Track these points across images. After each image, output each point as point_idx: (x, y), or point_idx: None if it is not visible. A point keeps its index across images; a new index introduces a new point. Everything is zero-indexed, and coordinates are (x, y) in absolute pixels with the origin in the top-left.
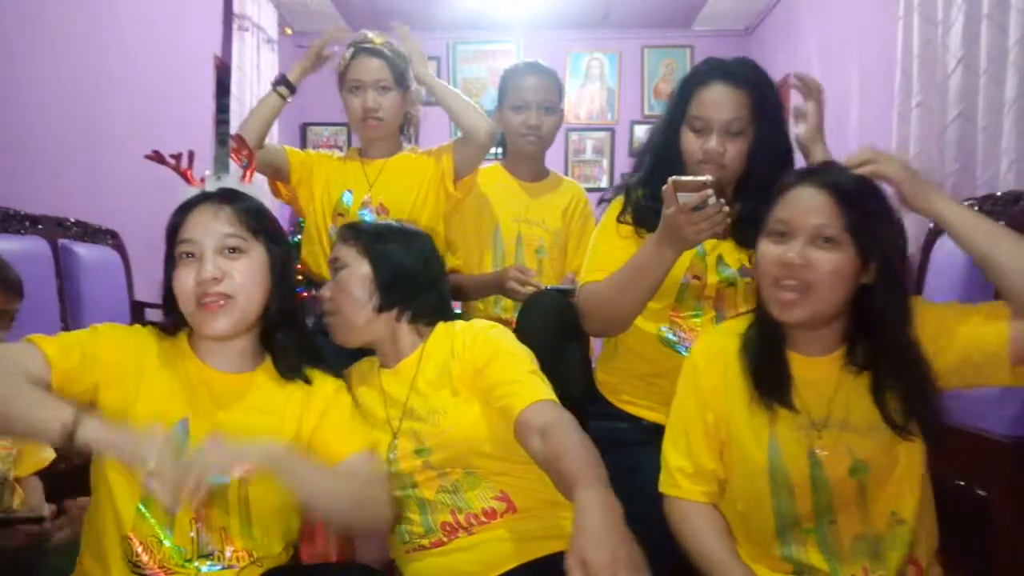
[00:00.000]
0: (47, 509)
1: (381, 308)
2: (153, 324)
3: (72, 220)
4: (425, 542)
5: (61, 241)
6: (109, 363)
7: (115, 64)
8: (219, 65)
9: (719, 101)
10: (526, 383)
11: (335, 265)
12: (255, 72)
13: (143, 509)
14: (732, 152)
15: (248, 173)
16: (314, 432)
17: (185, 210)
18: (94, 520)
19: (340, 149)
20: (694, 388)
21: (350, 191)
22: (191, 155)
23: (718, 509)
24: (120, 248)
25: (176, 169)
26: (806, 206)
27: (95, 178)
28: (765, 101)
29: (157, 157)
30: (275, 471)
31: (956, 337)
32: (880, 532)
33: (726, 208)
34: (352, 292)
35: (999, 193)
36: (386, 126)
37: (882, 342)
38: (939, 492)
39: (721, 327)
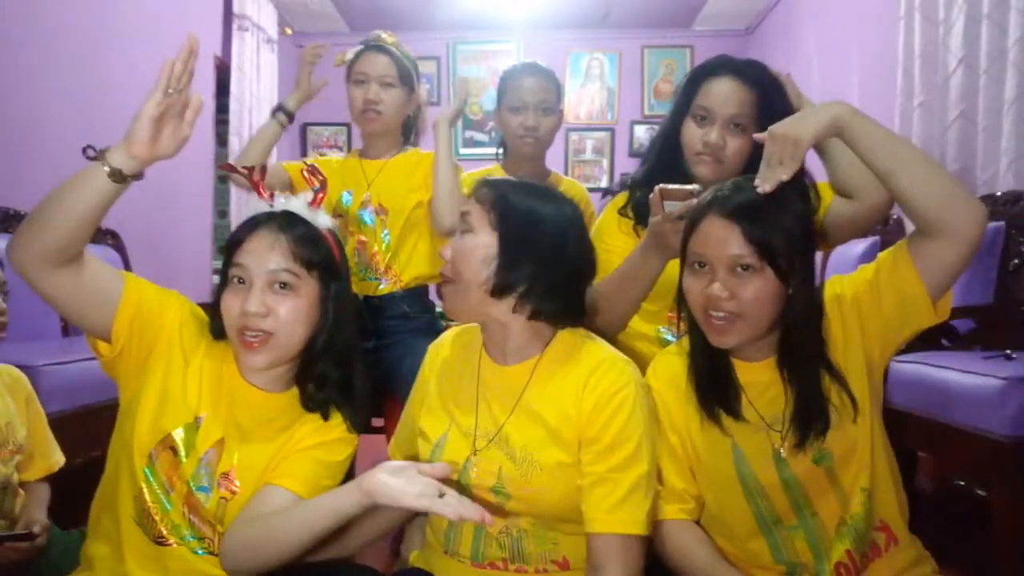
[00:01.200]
0: (39, 525)
1: (494, 292)
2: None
3: None
4: (466, 561)
5: None
6: (169, 335)
7: (115, 64)
8: (219, 65)
9: (726, 94)
10: (621, 498)
11: (462, 224)
12: (255, 72)
13: (147, 472)
14: (732, 148)
15: (319, 198)
16: (288, 451)
17: (248, 228)
18: (111, 476)
19: (340, 149)
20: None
21: (349, 191)
22: (263, 169)
23: (699, 524)
24: (120, 248)
25: (248, 179)
26: (719, 237)
27: None
28: (772, 105)
29: (229, 168)
30: None
31: (877, 302)
32: (857, 511)
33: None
34: (470, 263)
35: (999, 193)
36: (385, 121)
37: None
38: (939, 492)
39: (671, 348)
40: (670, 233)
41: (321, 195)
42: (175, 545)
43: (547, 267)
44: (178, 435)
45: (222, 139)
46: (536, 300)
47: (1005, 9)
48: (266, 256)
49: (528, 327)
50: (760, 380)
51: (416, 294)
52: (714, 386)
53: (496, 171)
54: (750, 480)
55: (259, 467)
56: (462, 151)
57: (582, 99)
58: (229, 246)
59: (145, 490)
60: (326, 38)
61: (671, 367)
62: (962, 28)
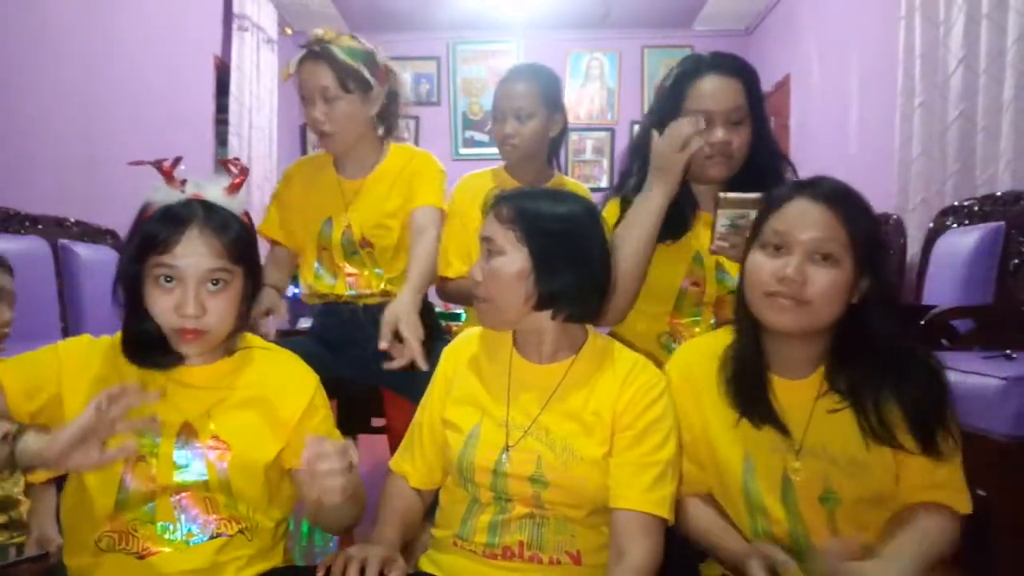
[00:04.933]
0: (54, 545)
1: (539, 305)
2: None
3: (72, 220)
4: (478, 550)
5: (61, 241)
6: (69, 377)
7: (115, 64)
8: (219, 65)
9: (718, 91)
10: (652, 480)
11: (488, 246)
12: (255, 72)
13: (120, 500)
14: (738, 142)
15: (235, 185)
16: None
17: (171, 227)
18: (73, 515)
19: None
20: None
21: (329, 220)
22: (177, 160)
23: (712, 497)
24: (120, 248)
25: (158, 167)
26: (806, 220)
27: (95, 178)
28: (756, 90)
29: (139, 162)
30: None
31: None
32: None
33: (702, 125)
34: (509, 285)
35: (999, 193)
36: (342, 137)
37: (877, 360)
38: None
39: (693, 343)
40: (672, 156)
41: (240, 180)
42: (160, 552)
43: (581, 268)
44: (139, 443)
45: (222, 139)
46: (573, 304)
47: (1005, 9)
48: (202, 258)
49: (562, 330)
50: (793, 401)
51: None
52: (748, 394)
53: (499, 173)
54: (753, 494)
55: (237, 421)
56: (462, 151)
57: (582, 99)
58: (150, 238)
59: (112, 531)
60: None
61: (693, 362)
62: (962, 28)
